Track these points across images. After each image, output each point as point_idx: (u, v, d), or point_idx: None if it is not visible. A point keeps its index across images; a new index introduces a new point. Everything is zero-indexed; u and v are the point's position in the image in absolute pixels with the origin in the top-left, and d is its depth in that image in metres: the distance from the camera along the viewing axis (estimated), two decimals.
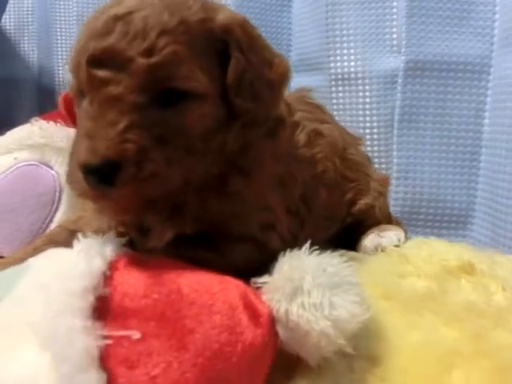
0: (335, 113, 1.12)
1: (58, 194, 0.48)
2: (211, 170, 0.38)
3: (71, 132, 0.49)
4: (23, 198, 0.47)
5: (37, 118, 0.50)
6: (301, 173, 0.46)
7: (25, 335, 0.28)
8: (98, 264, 0.31)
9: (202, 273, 0.34)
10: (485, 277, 0.38)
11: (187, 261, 0.37)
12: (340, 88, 1.12)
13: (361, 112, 1.09)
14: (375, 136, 1.03)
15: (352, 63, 1.11)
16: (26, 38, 1.33)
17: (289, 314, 0.30)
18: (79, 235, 0.34)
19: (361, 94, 1.09)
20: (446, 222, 0.96)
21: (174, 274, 0.33)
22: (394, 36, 1.10)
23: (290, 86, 1.10)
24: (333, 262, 0.32)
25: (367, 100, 1.08)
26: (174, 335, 0.29)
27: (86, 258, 0.32)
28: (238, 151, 0.39)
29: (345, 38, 1.15)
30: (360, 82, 1.09)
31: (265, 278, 0.33)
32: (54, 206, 0.47)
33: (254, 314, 0.31)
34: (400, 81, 0.99)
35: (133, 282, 0.32)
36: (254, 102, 0.38)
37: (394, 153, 0.97)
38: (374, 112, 1.07)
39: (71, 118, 0.47)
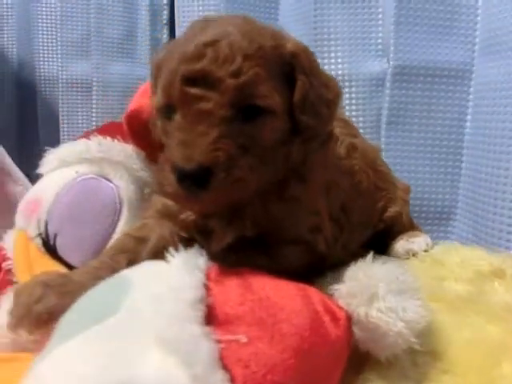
0: None
1: (118, 205, 0.51)
2: (276, 177, 0.43)
3: (128, 147, 0.52)
4: (86, 209, 0.50)
5: (95, 133, 0.52)
6: (342, 182, 0.51)
7: (146, 343, 0.32)
8: (199, 276, 0.36)
9: (281, 280, 0.39)
10: (509, 278, 0.44)
11: (245, 264, 0.41)
12: None
13: (348, 113, 1.16)
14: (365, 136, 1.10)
15: (339, 66, 1.16)
16: (5, 33, 1.32)
17: (369, 317, 0.35)
18: (171, 250, 0.38)
19: (347, 95, 1.15)
20: (430, 218, 1.04)
21: (259, 283, 0.38)
22: (380, 41, 1.17)
23: None
24: (401, 270, 0.37)
25: (353, 101, 1.14)
26: (273, 338, 0.34)
27: (188, 271, 0.36)
28: (300, 161, 0.45)
29: (332, 42, 1.20)
30: (347, 84, 1.15)
31: (340, 285, 0.38)
32: (116, 216, 0.50)
33: (333, 317, 0.37)
34: (388, 84, 1.06)
35: (227, 291, 0.36)
36: (315, 119, 0.43)
37: (382, 153, 1.03)
38: (361, 113, 1.13)
39: (133, 135, 0.50)
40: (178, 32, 1.41)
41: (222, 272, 0.38)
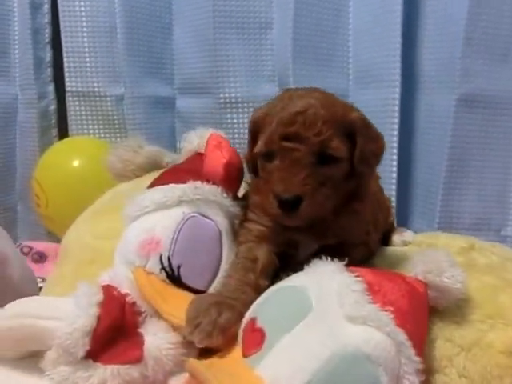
0: (225, 132, 1.38)
1: (219, 236, 0.62)
2: (341, 200, 0.62)
3: (217, 188, 0.65)
4: (199, 242, 0.60)
5: (191, 180, 0.63)
6: (375, 200, 0.72)
7: (340, 322, 0.49)
8: (352, 274, 0.54)
9: (387, 271, 0.61)
10: (478, 250, 0.73)
11: None
12: (228, 110, 1.39)
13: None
14: None
15: (238, 89, 1.38)
16: None
17: (443, 282, 0.58)
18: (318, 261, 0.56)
19: (246, 115, 1.38)
20: None
21: (380, 274, 0.57)
22: (270, 68, 1.42)
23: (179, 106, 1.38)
24: (447, 253, 0.61)
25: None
26: (400, 301, 0.54)
27: (342, 272, 0.53)
28: (355, 188, 0.64)
29: (231, 69, 1.41)
30: (246, 105, 1.38)
31: (416, 268, 0.60)
32: (220, 245, 0.62)
33: (419, 284, 0.58)
34: None
35: (369, 282, 0.54)
36: (366, 168, 0.63)
37: None
38: None
39: (229, 179, 0.63)
40: (66, 51, 1.42)
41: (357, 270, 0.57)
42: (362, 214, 0.65)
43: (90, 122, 1.50)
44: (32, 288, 0.90)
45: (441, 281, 0.58)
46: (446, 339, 0.58)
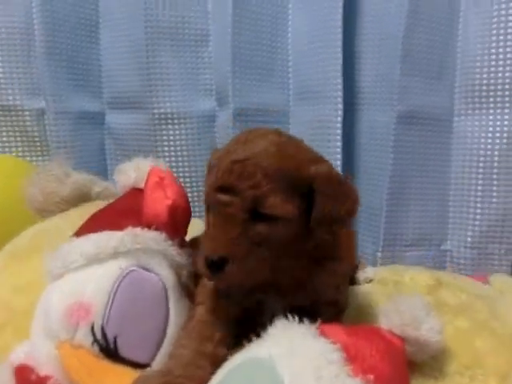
0: (159, 149, 1.29)
1: (165, 293, 0.51)
2: (300, 263, 0.55)
3: (160, 235, 0.54)
4: (140, 303, 0.49)
5: (130, 227, 0.52)
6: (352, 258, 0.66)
7: None
8: (325, 340, 0.46)
9: (359, 325, 0.54)
10: (446, 287, 0.69)
11: None
12: (163, 126, 1.31)
13: (184, 147, 1.32)
14: (197, 172, 1.25)
15: (174, 104, 1.31)
16: None
17: (421, 336, 0.52)
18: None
19: (183, 131, 1.31)
20: None
21: (354, 333, 0.50)
22: (208, 82, 1.35)
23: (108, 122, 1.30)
24: (420, 299, 0.56)
25: (189, 136, 1.30)
26: (377, 359, 0.47)
27: (311, 338, 0.45)
28: (327, 246, 0.57)
29: (165, 82, 1.33)
30: (182, 121, 1.30)
31: (391, 319, 0.53)
32: (166, 304, 0.51)
33: (396, 339, 0.52)
34: (231, 124, 1.23)
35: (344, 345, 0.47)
36: (328, 230, 0.55)
37: None
38: (196, 147, 1.30)
39: (173, 224, 0.53)
40: None
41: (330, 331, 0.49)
42: (337, 274, 0.59)
43: (4, 138, 1.33)
44: None
45: (420, 334, 0.52)
46: None
